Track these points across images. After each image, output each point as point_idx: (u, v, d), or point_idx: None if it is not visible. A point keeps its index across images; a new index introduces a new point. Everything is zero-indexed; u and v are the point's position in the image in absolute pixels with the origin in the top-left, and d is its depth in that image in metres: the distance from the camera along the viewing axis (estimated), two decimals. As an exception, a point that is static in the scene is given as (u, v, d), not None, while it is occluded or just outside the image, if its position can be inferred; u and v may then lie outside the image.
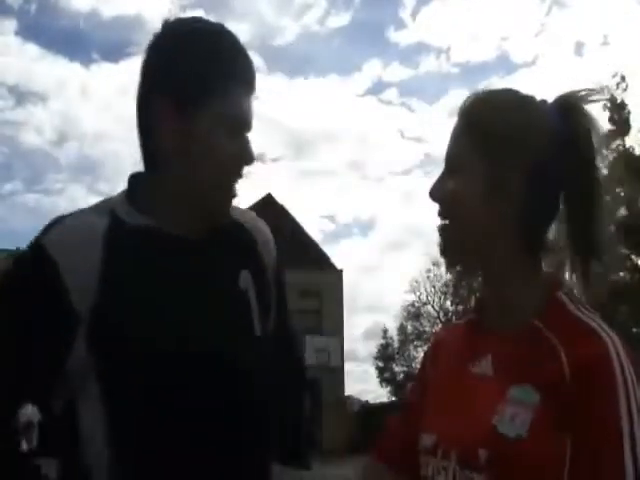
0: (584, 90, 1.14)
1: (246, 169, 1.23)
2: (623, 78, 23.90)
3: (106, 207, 1.20)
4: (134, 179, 1.25)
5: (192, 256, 1.20)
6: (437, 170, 1.18)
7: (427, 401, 1.20)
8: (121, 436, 1.12)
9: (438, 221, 1.14)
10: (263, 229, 1.36)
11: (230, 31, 1.20)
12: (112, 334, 1.12)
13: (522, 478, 0.98)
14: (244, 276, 1.24)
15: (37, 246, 1.14)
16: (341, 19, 67.01)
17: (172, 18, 1.22)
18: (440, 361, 1.23)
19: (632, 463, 0.93)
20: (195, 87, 1.15)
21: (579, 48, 58.30)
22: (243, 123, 1.19)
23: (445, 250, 1.14)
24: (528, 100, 1.13)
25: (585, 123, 1.12)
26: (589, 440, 0.95)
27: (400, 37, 73.54)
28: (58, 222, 1.17)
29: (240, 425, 1.20)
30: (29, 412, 7.23)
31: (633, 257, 24.51)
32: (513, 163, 1.07)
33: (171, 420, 1.13)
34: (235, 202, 1.27)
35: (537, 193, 1.07)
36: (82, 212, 1.21)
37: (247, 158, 1.21)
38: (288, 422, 1.40)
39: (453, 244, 1.13)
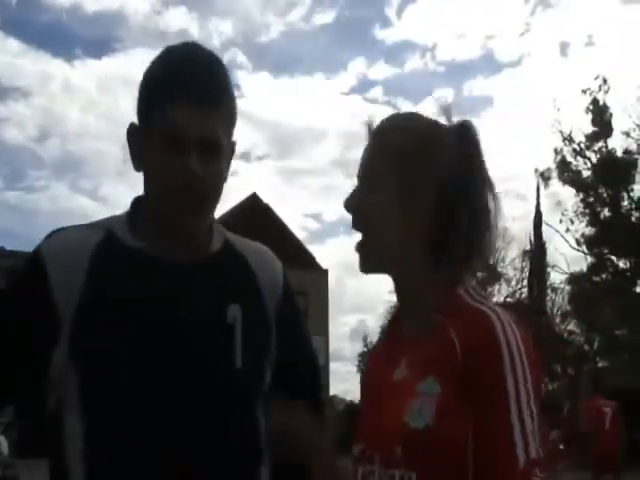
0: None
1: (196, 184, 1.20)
2: (605, 81, 24.17)
3: (106, 224, 1.27)
4: (136, 201, 1.29)
5: (178, 282, 1.22)
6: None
7: (356, 419, 1.26)
8: (97, 437, 1.15)
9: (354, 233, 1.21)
10: (268, 263, 1.36)
11: (194, 50, 1.23)
12: (90, 345, 1.16)
13: (434, 464, 1.04)
14: (233, 309, 1.24)
15: (35, 252, 1.23)
16: (326, 16, 67.35)
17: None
18: (367, 381, 1.31)
19: (519, 430, 1.00)
20: (141, 108, 1.23)
21: (564, 48, 58.39)
22: (185, 141, 1.18)
23: (362, 267, 1.20)
24: (436, 123, 1.21)
25: (475, 141, 1.19)
26: (481, 414, 1.02)
27: (385, 35, 73.25)
28: (58, 231, 1.26)
29: (213, 455, 1.19)
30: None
31: (614, 259, 24.73)
32: (423, 180, 1.15)
33: (140, 432, 1.15)
34: (222, 204, 1.26)
35: (444, 207, 1.14)
36: (82, 226, 1.28)
37: (185, 175, 1.18)
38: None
39: (369, 259, 1.20)
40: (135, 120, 1.25)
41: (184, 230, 1.23)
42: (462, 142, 1.17)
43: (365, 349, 40.64)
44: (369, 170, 1.19)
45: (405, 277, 1.19)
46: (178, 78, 1.19)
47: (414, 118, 1.22)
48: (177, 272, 1.22)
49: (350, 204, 1.19)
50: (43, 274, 1.19)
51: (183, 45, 1.26)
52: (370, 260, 1.20)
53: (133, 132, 1.25)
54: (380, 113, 1.22)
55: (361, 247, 1.19)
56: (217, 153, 1.21)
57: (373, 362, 1.32)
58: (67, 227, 1.28)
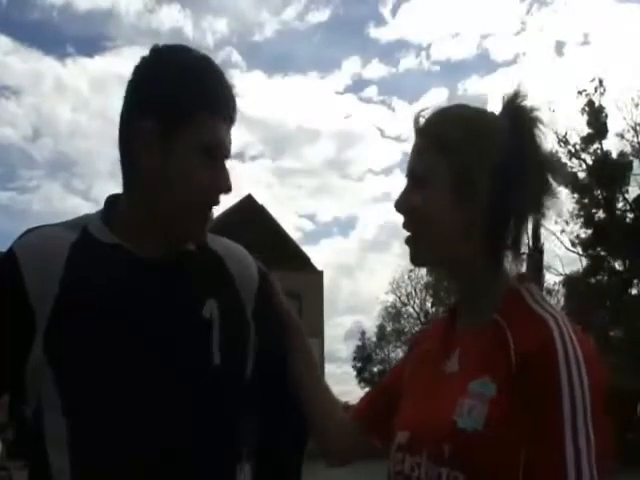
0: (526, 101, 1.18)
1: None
2: (601, 82, 24.27)
3: (80, 222, 1.26)
4: (111, 199, 1.29)
5: (154, 278, 1.22)
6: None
7: (402, 399, 1.24)
8: (80, 433, 1.15)
9: (405, 233, 1.19)
10: (242, 259, 1.37)
11: (215, 64, 1.26)
12: (66, 346, 1.16)
13: (483, 469, 1.01)
14: (210, 305, 1.24)
15: (9, 250, 1.21)
16: (321, 15, 67.50)
17: (160, 44, 1.27)
18: (416, 361, 1.27)
19: (573, 458, 0.95)
20: (176, 115, 1.20)
21: (560, 47, 58.87)
22: (221, 152, 1.23)
23: (414, 260, 1.19)
24: (481, 110, 1.20)
25: (531, 128, 1.15)
26: (533, 435, 0.98)
27: (380, 34, 73.39)
28: (32, 230, 1.25)
29: (193, 446, 1.19)
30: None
31: (609, 260, 24.77)
32: (477, 166, 1.12)
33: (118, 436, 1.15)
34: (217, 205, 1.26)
35: (500, 194, 1.11)
36: (56, 225, 1.27)
37: (223, 185, 1.24)
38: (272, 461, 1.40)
39: (422, 254, 1.18)
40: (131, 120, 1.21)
41: (197, 236, 1.26)
42: (513, 125, 1.14)
43: (360, 343, 40.55)
44: (418, 167, 1.17)
45: (461, 271, 1.17)
46: (217, 91, 1.22)
47: (458, 109, 1.19)
48: (153, 269, 1.22)
49: (401, 204, 1.17)
50: (17, 274, 1.17)
51: (198, 57, 1.24)
52: (422, 254, 1.18)
53: (150, 135, 1.18)
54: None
55: (412, 241, 1.17)
56: None
57: (421, 348, 1.29)
58: (41, 226, 1.27)
